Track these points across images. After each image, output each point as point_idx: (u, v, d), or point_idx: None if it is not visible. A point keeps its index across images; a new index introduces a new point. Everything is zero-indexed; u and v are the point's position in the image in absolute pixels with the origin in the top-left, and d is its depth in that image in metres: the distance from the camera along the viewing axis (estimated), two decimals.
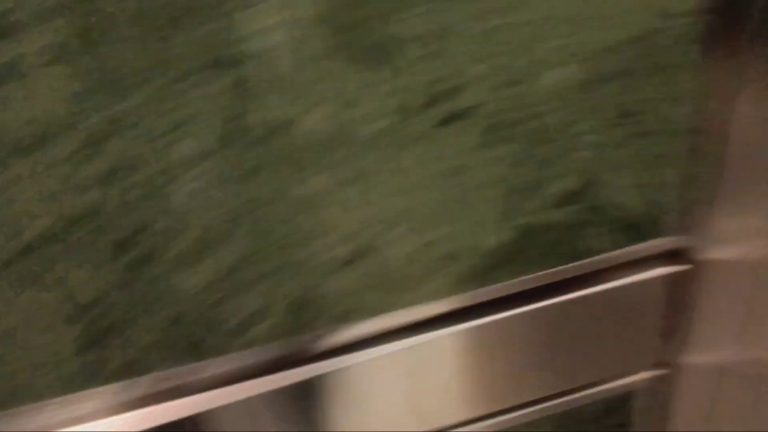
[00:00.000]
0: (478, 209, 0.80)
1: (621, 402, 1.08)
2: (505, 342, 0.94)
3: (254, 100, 0.67)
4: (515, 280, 0.90)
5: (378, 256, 0.78)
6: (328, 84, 0.68)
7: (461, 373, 0.97)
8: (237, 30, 0.65)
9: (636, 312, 0.98)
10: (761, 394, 0.88)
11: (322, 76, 0.68)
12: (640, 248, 0.94)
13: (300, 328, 0.76)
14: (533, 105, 0.76)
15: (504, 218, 0.82)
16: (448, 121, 0.74)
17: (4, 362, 0.64)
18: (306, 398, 0.71)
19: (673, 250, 0.93)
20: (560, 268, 0.93)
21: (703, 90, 0.85)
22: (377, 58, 0.68)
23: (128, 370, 0.73)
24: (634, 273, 0.95)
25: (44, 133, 0.60)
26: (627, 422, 1.11)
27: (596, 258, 0.94)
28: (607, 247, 0.95)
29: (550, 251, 0.87)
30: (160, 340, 0.75)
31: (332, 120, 0.70)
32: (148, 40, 0.63)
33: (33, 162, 0.60)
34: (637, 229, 0.89)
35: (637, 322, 1.00)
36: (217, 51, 0.65)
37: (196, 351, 0.78)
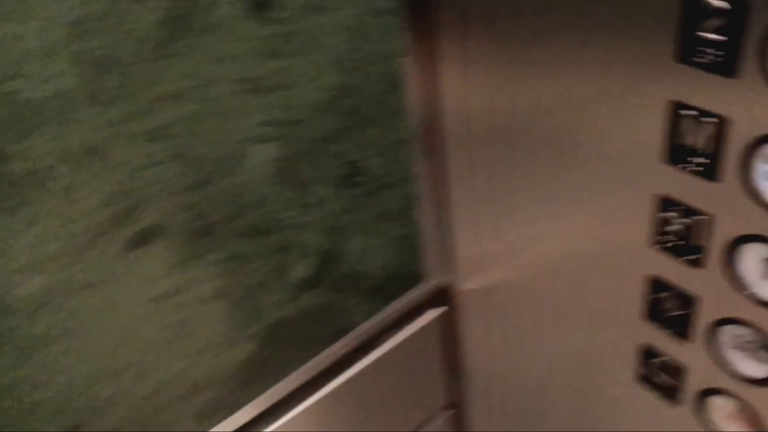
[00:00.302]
0: (212, 326, 0.66)
1: None
2: None
3: None
4: (290, 377, 0.78)
5: (101, 416, 0.62)
6: None
7: None
8: None
9: (419, 361, 0.91)
10: (537, 404, 0.86)
11: None
12: (401, 303, 0.87)
13: None
14: (241, 196, 0.63)
15: (246, 325, 0.69)
16: (138, 244, 0.59)
17: None
18: None
19: (434, 293, 0.87)
20: (331, 348, 0.82)
21: (413, 134, 0.78)
22: (12, 200, 0.51)
23: None
24: (405, 327, 0.87)
25: None
26: None
27: (365, 325, 0.85)
28: (372, 312, 0.86)
29: (314, 337, 0.76)
30: None
31: None
32: None
33: None
34: (395, 285, 0.81)
35: (423, 371, 0.93)
36: None
37: None
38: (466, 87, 0.68)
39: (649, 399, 0.68)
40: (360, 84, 0.65)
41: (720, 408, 0.61)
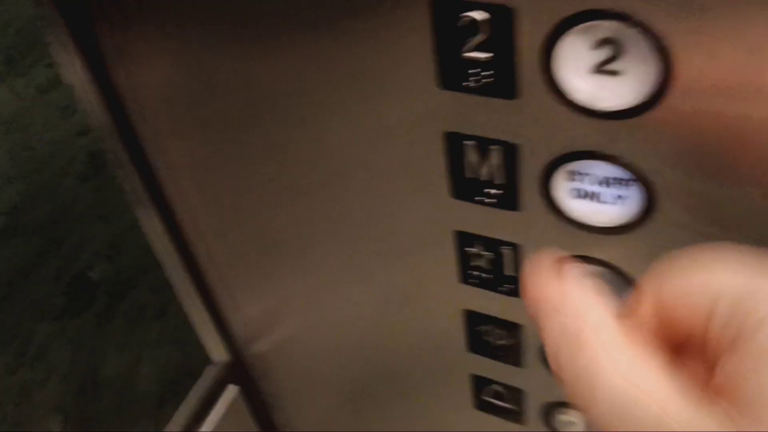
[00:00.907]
0: None
1: None
2: None
3: None
4: None
5: None
6: None
7: None
8: None
9: None
10: None
11: None
12: (195, 397, 0.72)
13: None
14: None
15: None
16: None
17: None
18: None
19: (229, 371, 0.74)
20: None
21: (143, 213, 0.62)
22: None
23: None
24: (207, 419, 0.74)
25: None
26: None
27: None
28: (165, 422, 0.71)
29: None
30: None
31: None
32: None
33: None
34: (181, 382, 0.67)
35: None
36: None
37: None
38: (175, 145, 0.54)
39: (496, 422, 0.62)
40: (46, 182, 0.48)
41: (568, 418, 0.57)
